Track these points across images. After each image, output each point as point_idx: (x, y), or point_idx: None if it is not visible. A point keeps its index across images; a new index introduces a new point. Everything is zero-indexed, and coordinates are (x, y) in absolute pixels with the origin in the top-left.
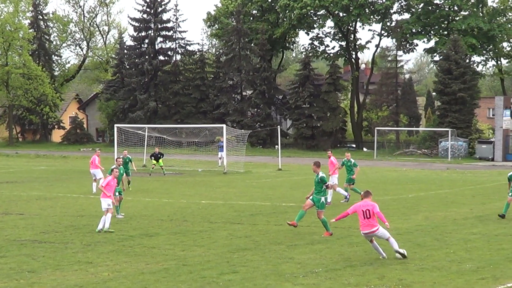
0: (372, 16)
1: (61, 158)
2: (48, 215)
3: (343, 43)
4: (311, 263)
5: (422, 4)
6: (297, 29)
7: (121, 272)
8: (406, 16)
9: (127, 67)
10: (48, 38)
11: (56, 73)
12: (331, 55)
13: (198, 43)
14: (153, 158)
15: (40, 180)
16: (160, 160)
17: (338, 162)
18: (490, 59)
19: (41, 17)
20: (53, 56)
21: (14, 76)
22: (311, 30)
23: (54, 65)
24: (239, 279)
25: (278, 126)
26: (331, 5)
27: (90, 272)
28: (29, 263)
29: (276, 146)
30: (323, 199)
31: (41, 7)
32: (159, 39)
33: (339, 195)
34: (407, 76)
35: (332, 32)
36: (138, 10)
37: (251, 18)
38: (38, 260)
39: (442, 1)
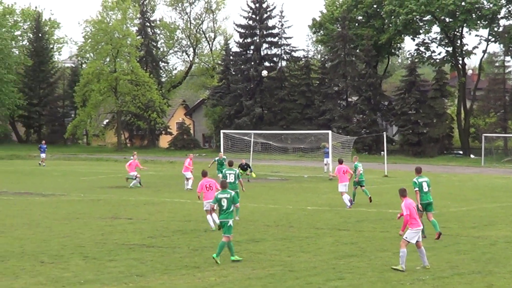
0: (479, 21)
1: (168, 163)
2: (156, 220)
3: (450, 49)
4: (418, 271)
5: None
6: (402, 35)
7: (228, 277)
8: None
9: (233, 73)
10: (155, 44)
11: (163, 79)
12: (437, 61)
13: (304, 49)
14: (239, 168)
15: (148, 185)
16: (248, 171)
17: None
18: None
19: (148, 24)
20: (160, 62)
21: (122, 82)
22: (417, 36)
23: (161, 71)
24: (345, 286)
25: (384, 133)
26: (437, 10)
27: (197, 277)
28: (137, 267)
29: (382, 152)
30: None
31: (149, 14)
32: (265, 45)
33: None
34: None
35: (438, 38)
36: (244, 17)
37: (357, 24)
38: (147, 264)
39: None
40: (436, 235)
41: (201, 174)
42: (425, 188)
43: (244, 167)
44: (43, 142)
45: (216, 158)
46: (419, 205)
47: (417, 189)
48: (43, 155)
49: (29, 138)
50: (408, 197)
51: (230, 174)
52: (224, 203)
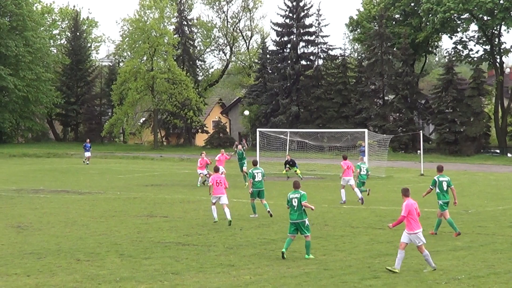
0: None
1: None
2: (192, 218)
3: (487, 47)
4: (453, 270)
5: None
6: (440, 33)
7: (263, 276)
8: None
9: (270, 71)
10: (192, 43)
11: (200, 78)
12: (475, 59)
13: (340, 48)
14: (287, 165)
15: (184, 184)
16: (295, 168)
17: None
18: None
19: (185, 23)
20: (197, 61)
21: (159, 81)
22: (455, 34)
23: (198, 70)
24: (381, 285)
25: (421, 131)
26: (475, 8)
27: (232, 275)
28: (172, 265)
29: (418, 151)
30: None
31: (186, 13)
32: (301, 43)
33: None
34: None
35: (476, 36)
36: (281, 15)
37: (394, 23)
38: (182, 262)
39: None
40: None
41: (213, 169)
42: (445, 187)
43: (291, 163)
44: (88, 140)
45: (236, 150)
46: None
47: (432, 187)
48: (87, 154)
49: (66, 136)
50: (411, 198)
51: (257, 173)
52: (295, 203)
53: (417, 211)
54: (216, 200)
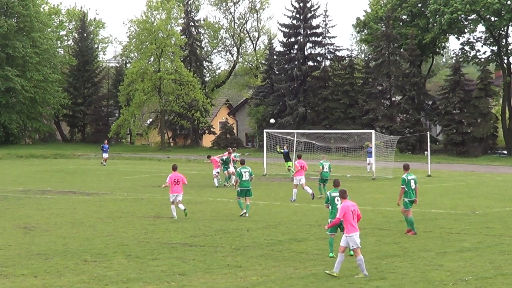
0: None
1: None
2: (199, 219)
3: (495, 48)
4: (460, 271)
5: None
6: (447, 34)
7: (270, 277)
8: None
9: (277, 72)
10: (199, 44)
11: (206, 79)
12: (482, 60)
13: (347, 49)
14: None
15: (191, 185)
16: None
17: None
18: None
19: (192, 24)
20: (204, 62)
21: (166, 82)
22: (462, 35)
23: (205, 71)
24: (388, 286)
25: (428, 132)
26: (482, 9)
27: (239, 276)
28: (179, 266)
29: (425, 152)
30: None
31: (193, 14)
32: (309, 44)
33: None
34: None
35: (483, 37)
36: (288, 16)
37: (401, 23)
38: (189, 263)
39: None
40: (406, 230)
41: (172, 168)
42: (413, 186)
43: (287, 155)
44: (106, 142)
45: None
46: (398, 202)
47: (404, 186)
48: (105, 155)
49: (73, 137)
50: (348, 200)
51: (245, 172)
52: (338, 201)
53: (356, 213)
54: (174, 198)
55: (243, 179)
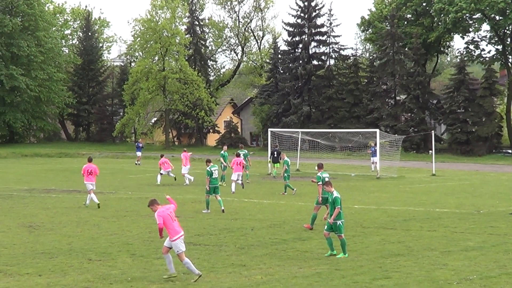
0: None
1: (216, 161)
2: (203, 218)
3: (499, 47)
4: (465, 270)
5: None
6: (452, 33)
7: (274, 276)
8: None
9: (281, 71)
10: (203, 43)
11: (211, 78)
12: (487, 59)
13: (352, 48)
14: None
15: (195, 184)
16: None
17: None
18: None
19: (197, 23)
20: (208, 61)
21: (171, 81)
22: (466, 34)
23: (209, 70)
24: (392, 285)
25: (432, 131)
26: (487, 8)
27: (244, 275)
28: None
29: (430, 151)
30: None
31: (197, 13)
32: (313, 43)
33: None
34: None
35: (488, 36)
36: (292, 15)
37: (405, 22)
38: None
39: None
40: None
41: (87, 159)
42: (215, 175)
43: (276, 158)
44: (140, 140)
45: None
46: (320, 199)
47: (320, 183)
48: (139, 153)
49: (78, 136)
50: (161, 205)
51: (215, 170)
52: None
53: (172, 216)
54: (91, 188)
55: (213, 176)
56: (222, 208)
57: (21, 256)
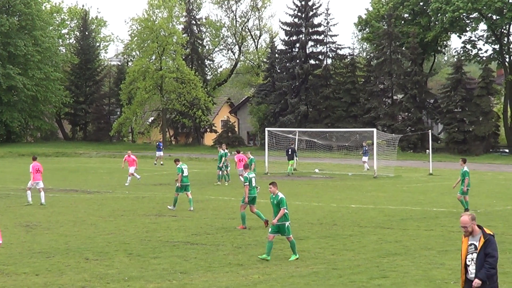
0: None
1: (213, 161)
2: (200, 217)
3: (496, 46)
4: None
5: None
6: (449, 33)
7: (271, 275)
8: None
9: (278, 71)
10: (201, 42)
11: (208, 77)
12: (484, 58)
13: (349, 47)
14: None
15: (192, 183)
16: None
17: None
18: None
19: (194, 22)
20: (205, 60)
21: (168, 80)
22: (464, 33)
23: (206, 69)
24: (389, 284)
25: (429, 131)
26: (484, 7)
27: (241, 274)
28: (181, 264)
29: (427, 150)
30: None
31: (194, 12)
32: (310, 43)
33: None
34: None
35: (485, 35)
36: (290, 15)
37: (403, 22)
38: (190, 261)
39: None
40: (264, 223)
41: (32, 158)
42: (253, 183)
43: (291, 155)
44: (161, 140)
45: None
46: (246, 198)
47: (247, 183)
48: (160, 153)
49: (75, 135)
50: None
51: (185, 168)
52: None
53: None
54: (34, 185)
55: (184, 174)
56: (191, 208)
57: (18, 255)
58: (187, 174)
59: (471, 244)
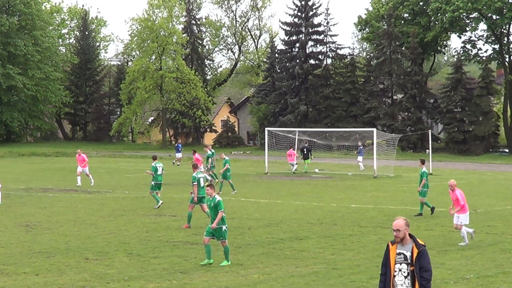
0: None
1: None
2: (200, 217)
3: (496, 46)
4: (462, 269)
5: None
6: (449, 32)
7: (271, 275)
8: None
9: (278, 71)
10: (201, 42)
11: (208, 77)
12: (484, 58)
13: (349, 47)
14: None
15: (187, 183)
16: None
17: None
18: None
19: (194, 22)
20: (205, 60)
21: (168, 80)
22: (463, 33)
23: (206, 69)
24: None
25: (429, 130)
26: (484, 7)
27: (241, 274)
28: (181, 264)
29: (427, 150)
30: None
31: (194, 12)
32: (310, 43)
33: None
34: None
35: (485, 35)
36: (289, 14)
37: (402, 22)
38: (190, 261)
39: None
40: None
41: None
42: (202, 183)
43: (307, 155)
44: (179, 141)
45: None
46: (195, 198)
47: (195, 183)
48: (179, 155)
49: (75, 135)
50: None
51: (159, 167)
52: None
53: None
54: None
55: (158, 173)
56: (156, 206)
57: (18, 255)
58: (160, 173)
59: (399, 253)
